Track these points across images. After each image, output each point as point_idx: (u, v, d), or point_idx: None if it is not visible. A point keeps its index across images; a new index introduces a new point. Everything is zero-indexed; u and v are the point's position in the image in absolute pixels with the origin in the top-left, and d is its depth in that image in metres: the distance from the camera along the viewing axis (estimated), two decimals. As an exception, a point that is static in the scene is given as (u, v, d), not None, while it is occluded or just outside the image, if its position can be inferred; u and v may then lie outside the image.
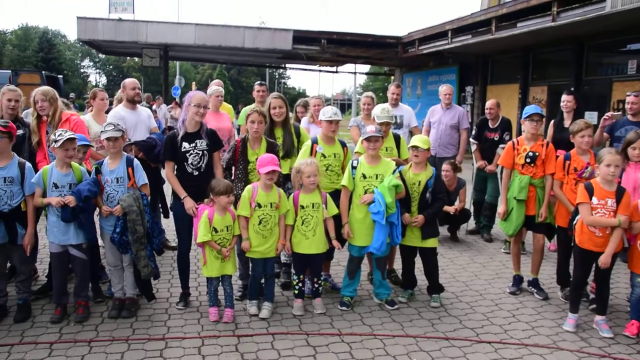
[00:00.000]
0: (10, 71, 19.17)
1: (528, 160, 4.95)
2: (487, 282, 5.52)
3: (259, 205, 4.41)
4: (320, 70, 26.96)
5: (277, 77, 70.25)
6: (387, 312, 4.66)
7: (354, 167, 4.67)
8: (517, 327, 4.42)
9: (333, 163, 4.89)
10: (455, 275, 5.69)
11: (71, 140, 4.18)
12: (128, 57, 52.69)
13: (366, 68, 30.25)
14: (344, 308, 4.66)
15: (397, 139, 5.29)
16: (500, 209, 5.14)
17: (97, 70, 76.59)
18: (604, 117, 5.99)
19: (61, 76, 23.58)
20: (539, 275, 5.18)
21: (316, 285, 4.67)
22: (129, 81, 6.03)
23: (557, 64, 14.35)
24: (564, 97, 6.34)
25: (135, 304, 4.53)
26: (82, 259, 4.35)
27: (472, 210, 7.43)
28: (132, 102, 5.92)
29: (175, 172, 4.58)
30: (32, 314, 4.39)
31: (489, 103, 7.17)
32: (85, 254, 4.37)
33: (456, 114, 7.48)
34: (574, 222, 4.39)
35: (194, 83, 32.12)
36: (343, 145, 5.01)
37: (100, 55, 61.37)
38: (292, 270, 4.85)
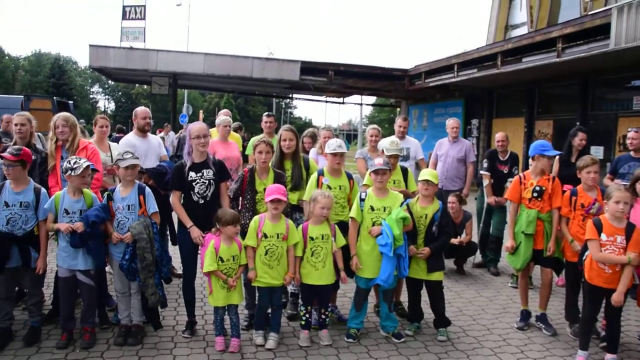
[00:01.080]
0: (22, 96, 19.42)
1: (535, 194, 4.97)
2: (495, 316, 5.47)
3: (265, 236, 4.43)
4: (327, 101, 27.23)
5: (283, 106, 70.97)
6: (393, 345, 4.62)
7: (362, 200, 4.69)
8: (526, 363, 4.37)
9: (338, 195, 4.92)
10: (462, 309, 5.65)
11: (87, 167, 4.28)
12: (137, 84, 53.39)
13: (372, 99, 30.52)
14: (350, 340, 4.63)
15: (404, 171, 5.33)
16: (508, 243, 5.12)
17: (106, 97, 77.66)
18: None
19: (71, 102, 23.83)
20: (547, 310, 5.14)
21: (323, 317, 4.65)
22: (140, 110, 6.13)
23: (562, 98, 14.50)
24: (581, 134, 6.27)
25: (141, 331, 4.51)
26: (89, 285, 4.37)
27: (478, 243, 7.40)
28: (143, 131, 6.02)
29: (182, 201, 4.62)
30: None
31: (499, 135, 7.20)
32: (93, 280, 4.39)
33: (463, 147, 7.54)
34: (583, 257, 4.38)
35: (201, 111, 32.37)
36: (349, 177, 5.04)
37: (109, 81, 62.32)
38: (300, 301, 4.83)
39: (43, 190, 4.44)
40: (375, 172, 4.63)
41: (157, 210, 4.57)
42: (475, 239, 7.40)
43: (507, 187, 6.85)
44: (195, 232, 4.49)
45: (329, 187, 4.86)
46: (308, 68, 17.86)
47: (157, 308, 4.60)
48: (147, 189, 4.57)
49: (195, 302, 4.81)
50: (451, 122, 7.63)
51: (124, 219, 4.38)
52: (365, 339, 4.71)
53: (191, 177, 4.55)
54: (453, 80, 15.63)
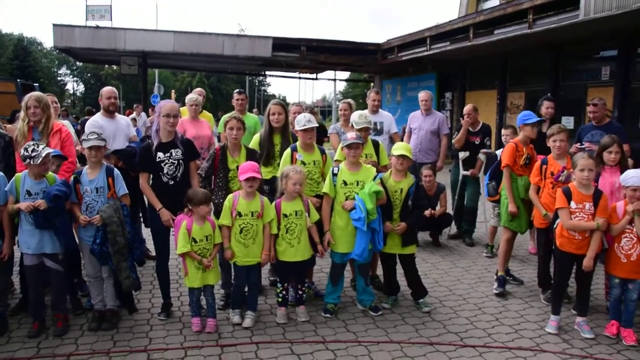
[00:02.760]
0: (-17, 80, 18.74)
1: (527, 161, 5.21)
2: (470, 286, 5.56)
3: (240, 214, 4.37)
4: (300, 77, 27.01)
5: (257, 84, 70.12)
6: (371, 318, 4.66)
7: (334, 174, 4.66)
8: (501, 330, 4.45)
9: (312, 170, 4.89)
10: (438, 280, 5.72)
11: (47, 155, 4.12)
12: (106, 65, 52.04)
13: (346, 75, 30.37)
14: (327, 315, 4.65)
15: (376, 145, 5.31)
16: (512, 208, 5.23)
17: (75, 78, 75.47)
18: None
19: (37, 84, 23.04)
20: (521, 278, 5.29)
21: (300, 293, 4.65)
22: (105, 90, 5.96)
23: (534, 70, 14.59)
24: (547, 103, 6.44)
25: (116, 316, 4.45)
26: (57, 271, 4.24)
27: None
28: (109, 112, 5.85)
29: (151, 183, 4.52)
30: (9, 328, 4.28)
31: (466, 109, 7.21)
32: (62, 265, 4.27)
33: (436, 120, 7.53)
34: (554, 225, 4.46)
35: (173, 91, 31.73)
36: (322, 152, 5.01)
37: (77, 63, 60.53)
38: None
39: (0, 173, 4.26)
40: (349, 146, 4.60)
41: (127, 192, 4.46)
42: (450, 210, 7.46)
43: (480, 159, 6.94)
44: (165, 215, 4.40)
45: (303, 163, 4.82)
46: (280, 44, 17.61)
47: (132, 291, 4.53)
48: (116, 171, 4.45)
49: (170, 284, 4.75)
50: (422, 95, 7.59)
51: (93, 202, 4.26)
52: (342, 314, 4.73)
53: (159, 157, 4.44)
54: (426, 53, 15.59)
